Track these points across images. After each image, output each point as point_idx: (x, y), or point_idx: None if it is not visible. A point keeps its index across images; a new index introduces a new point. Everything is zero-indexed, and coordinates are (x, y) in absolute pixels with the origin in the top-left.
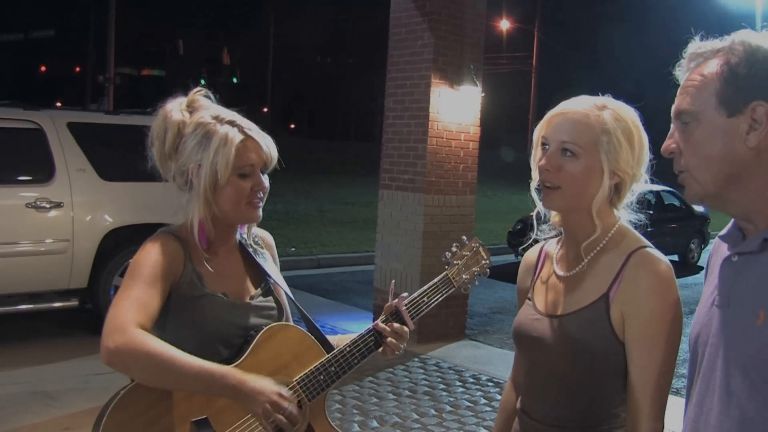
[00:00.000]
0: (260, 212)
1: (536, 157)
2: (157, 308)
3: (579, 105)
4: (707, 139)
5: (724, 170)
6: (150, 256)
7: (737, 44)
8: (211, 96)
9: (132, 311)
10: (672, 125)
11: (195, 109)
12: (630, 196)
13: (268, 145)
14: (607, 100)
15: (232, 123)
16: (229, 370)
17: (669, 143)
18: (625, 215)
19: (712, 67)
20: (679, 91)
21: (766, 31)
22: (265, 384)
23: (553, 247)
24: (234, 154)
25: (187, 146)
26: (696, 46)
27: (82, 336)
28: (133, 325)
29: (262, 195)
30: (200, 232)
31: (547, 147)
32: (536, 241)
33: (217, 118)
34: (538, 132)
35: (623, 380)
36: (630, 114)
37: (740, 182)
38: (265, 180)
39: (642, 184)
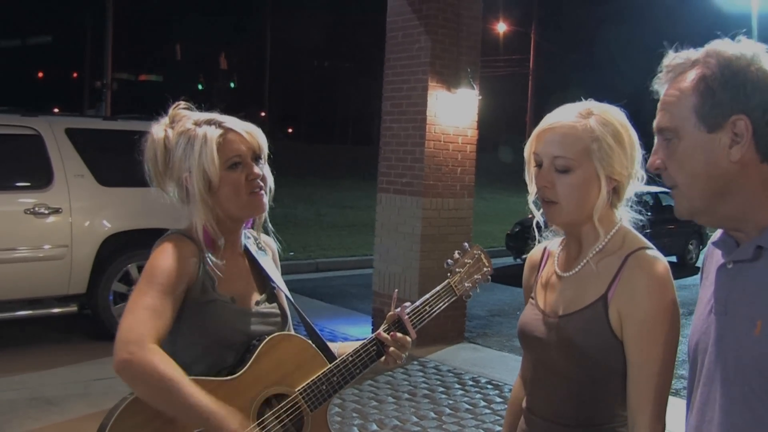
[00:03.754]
0: (265, 201)
1: (530, 174)
2: (171, 319)
3: (564, 117)
4: (690, 155)
5: (710, 185)
6: (167, 261)
7: (711, 57)
8: (192, 106)
9: (149, 323)
10: (656, 140)
11: (177, 122)
12: (629, 193)
13: (249, 132)
14: (591, 105)
15: (209, 122)
16: (230, 415)
17: (654, 159)
18: (626, 214)
19: (688, 81)
20: (658, 106)
21: (740, 38)
22: None
23: (555, 246)
24: (216, 150)
25: (176, 158)
26: (671, 57)
27: (81, 341)
28: (150, 340)
29: (261, 184)
30: (205, 238)
31: (540, 163)
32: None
33: (196, 122)
34: (529, 148)
35: (625, 380)
36: (616, 115)
37: (728, 195)
38: (263, 170)
39: (638, 180)
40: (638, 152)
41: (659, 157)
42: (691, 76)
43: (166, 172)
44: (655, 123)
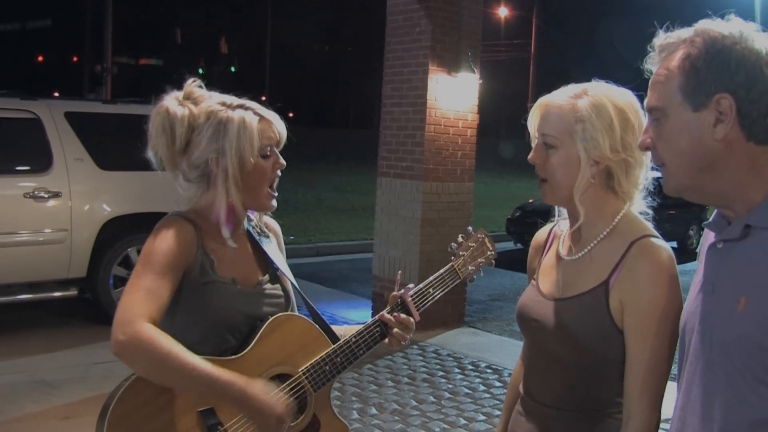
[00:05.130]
0: (275, 202)
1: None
2: (167, 299)
3: (557, 96)
4: (676, 134)
5: (696, 163)
6: (164, 243)
7: (697, 35)
8: (203, 85)
9: (143, 303)
10: (646, 119)
11: (196, 100)
12: (633, 178)
13: (278, 122)
14: (590, 85)
15: (242, 107)
16: (235, 378)
17: (644, 138)
18: (638, 202)
19: (676, 60)
20: (649, 86)
21: (730, 18)
22: (266, 402)
23: (562, 228)
24: (257, 136)
25: (202, 138)
26: (663, 37)
27: (81, 325)
28: (144, 319)
29: (279, 174)
30: (228, 217)
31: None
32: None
33: (226, 104)
34: (530, 125)
35: (624, 368)
36: (614, 98)
37: (714, 173)
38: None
39: (645, 168)
40: (636, 137)
41: (649, 136)
42: (679, 55)
43: (184, 150)
44: (645, 102)
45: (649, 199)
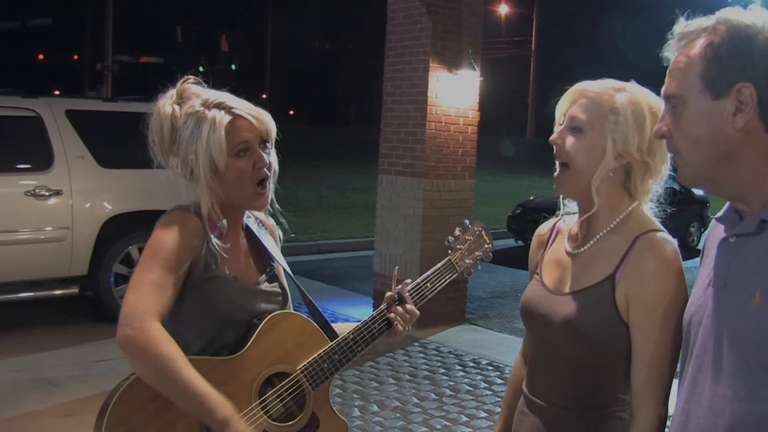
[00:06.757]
0: (268, 197)
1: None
2: (174, 295)
3: (597, 84)
4: (695, 122)
5: (713, 152)
6: (172, 237)
7: (720, 24)
8: (202, 82)
9: (152, 299)
10: (663, 107)
11: (186, 98)
12: (647, 186)
13: (258, 118)
14: (629, 84)
15: (219, 105)
16: (223, 404)
17: (660, 126)
18: (648, 206)
19: (697, 48)
20: (667, 73)
21: (752, 7)
22: None
23: (566, 223)
24: (224, 137)
25: (183, 138)
26: (683, 25)
27: (82, 323)
28: (154, 317)
29: (268, 173)
30: (210, 222)
31: (562, 122)
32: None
33: (206, 104)
34: (559, 108)
35: (629, 363)
36: (649, 100)
37: (731, 163)
38: (269, 156)
39: (662, 179)
40: (663, 146)
41: (665, 124)
42: (700, 43)
43: (171, 149)
44: (662, 89)
45: (657, 208)
